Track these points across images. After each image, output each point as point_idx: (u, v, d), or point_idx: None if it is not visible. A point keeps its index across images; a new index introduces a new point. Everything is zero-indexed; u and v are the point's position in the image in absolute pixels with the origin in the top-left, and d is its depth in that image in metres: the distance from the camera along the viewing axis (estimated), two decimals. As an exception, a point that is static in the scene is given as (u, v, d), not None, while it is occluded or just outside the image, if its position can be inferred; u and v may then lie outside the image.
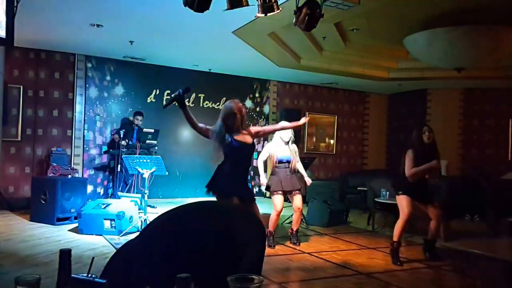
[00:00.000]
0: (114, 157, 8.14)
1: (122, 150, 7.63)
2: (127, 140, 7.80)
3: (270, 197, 5.75)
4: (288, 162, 5.58)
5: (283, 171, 5.55)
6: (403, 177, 4.98)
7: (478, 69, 8.30)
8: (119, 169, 7.75)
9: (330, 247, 5.75)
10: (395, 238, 5.07)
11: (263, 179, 5.64)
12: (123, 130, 7.92)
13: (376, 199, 6.95)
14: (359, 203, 9.25)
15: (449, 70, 7.60)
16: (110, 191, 8.60)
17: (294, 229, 5.75)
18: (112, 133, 8.51)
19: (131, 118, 8.58)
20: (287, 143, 5.58)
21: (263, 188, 5.62)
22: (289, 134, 5.57)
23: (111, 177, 8.65)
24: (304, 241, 5.98)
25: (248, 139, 3.95)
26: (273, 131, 5.45)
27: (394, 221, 5.28)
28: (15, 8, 4.07)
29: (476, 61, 7.19)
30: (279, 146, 5.57)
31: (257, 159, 5.74)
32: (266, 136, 6.84)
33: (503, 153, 9.93)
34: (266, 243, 5.50)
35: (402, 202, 4.97)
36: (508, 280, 4.04)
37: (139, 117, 8.30)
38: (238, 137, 3.89)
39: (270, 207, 5.74)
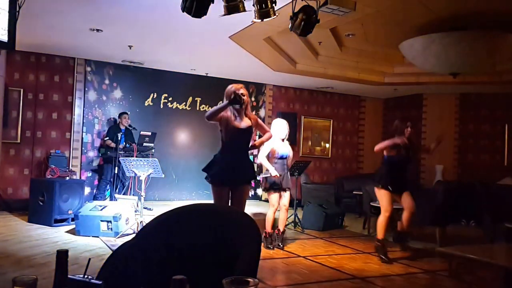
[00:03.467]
0: (109, 160, 8.04)
1: (120, 152, 7.66)
2: (125, 144, 7.82)
3: (266, 200, 5.73)
4: (285, 158, 5.65)
5: (280, 167, 5.56)
6: (381, 170, 5.30)
7: (474, 74, 8.35)
8: (116, 172, 7.76)
9: (326, 251, 5.76)
10: (379, 236, 5.21)
11: (273, 171, 5.41)
12: (110, 134, 7.95)
13: (371, 203, 6.98)
14: (354, 207, 9.27)
15: (444, 75, 7.63)
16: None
17: (281, 229, 5.71)
18: (103, 138, 8.41)
19: (118, 120, 8.46)
20: (283, 139, 5.67)
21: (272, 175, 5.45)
22: (285, 131, 5.66)
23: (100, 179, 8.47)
24: (299, 245, 6.01)
25: (249, 122, 4.06)
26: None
27: (389, 225, 5.35)
28: (17, 13, 4.12)
29: (472, 67, 7.22)
30: (277, 142, 5.60)
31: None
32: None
33: (499, 159, 9.94)
34: (264, 244, 5.55)
35: (382, 198, 5.17)
36: (506, 286, 4.08)
37: (126, 116, 8.23)
38: (243, 120, 4.02)
39: (266, 207, 5.73)
